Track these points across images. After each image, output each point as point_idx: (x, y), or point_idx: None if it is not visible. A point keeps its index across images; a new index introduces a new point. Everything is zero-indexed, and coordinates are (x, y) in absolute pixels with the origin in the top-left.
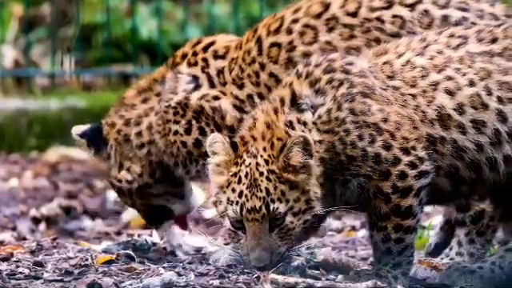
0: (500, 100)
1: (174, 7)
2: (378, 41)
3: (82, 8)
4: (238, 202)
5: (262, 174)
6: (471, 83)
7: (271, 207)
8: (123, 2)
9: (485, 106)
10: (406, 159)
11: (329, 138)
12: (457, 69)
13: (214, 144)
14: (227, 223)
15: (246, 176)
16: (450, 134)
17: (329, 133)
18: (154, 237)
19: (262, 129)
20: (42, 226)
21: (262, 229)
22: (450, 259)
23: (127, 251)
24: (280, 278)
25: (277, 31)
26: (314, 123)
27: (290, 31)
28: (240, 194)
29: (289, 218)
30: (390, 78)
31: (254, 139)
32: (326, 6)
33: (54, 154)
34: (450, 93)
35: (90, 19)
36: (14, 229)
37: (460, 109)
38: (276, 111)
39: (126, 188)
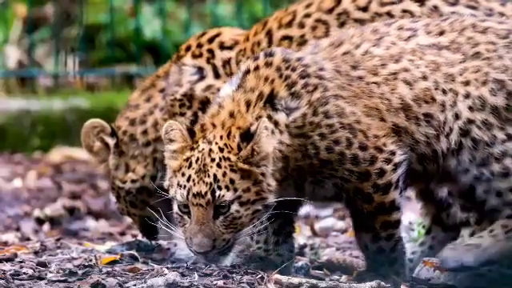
0: (443, 92)
1: (177, 7)
2: None
3: (86, 8)
4: (185, 186)
5: (213, 160)
6: (424, 77)
7: (217, 194)
8: (127, 2)
9: (433, 100)
10: (381, 156)
11: (300, 142)
12: (411, 60)
13: (171, 131)
14: (175, 207)
15: (197, 161)
16: (410, 126)
17: (301, 137)
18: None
19: (224, 117)
20: (46, 227)
21: (205, 215)
22: None
23: (131, 251)
24: (284, 279)
25: (289, 24)
26: (288, 126)
27: (302, 25)
28: (188, 179)
29: (235, 207)
30: (354, 68)
31: (214, 126)
32: (338, 1)
33: (57, 154)
34: (408, 83)
35: (93, 19)
36: (17, 229)
37: (417, 101)
38: (248, 103)
39: (128, 188)
